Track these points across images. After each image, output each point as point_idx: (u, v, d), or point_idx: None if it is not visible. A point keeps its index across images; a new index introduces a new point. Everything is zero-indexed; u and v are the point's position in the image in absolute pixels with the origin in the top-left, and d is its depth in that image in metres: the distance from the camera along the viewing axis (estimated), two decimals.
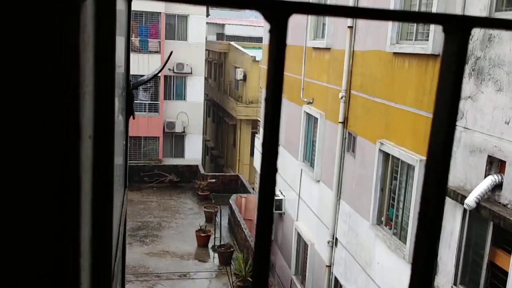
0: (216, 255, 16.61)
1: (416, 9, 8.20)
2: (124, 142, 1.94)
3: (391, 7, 8.65)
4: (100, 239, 0.64)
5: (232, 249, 16.49)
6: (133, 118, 2.04)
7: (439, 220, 0.42)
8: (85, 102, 0.46)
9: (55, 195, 0.47)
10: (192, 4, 0.35)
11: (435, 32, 7.40)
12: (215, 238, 17.23)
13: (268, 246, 0.39)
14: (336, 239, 11.11)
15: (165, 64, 2.91)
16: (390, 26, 8.70)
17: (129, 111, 1.99)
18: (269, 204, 0.40)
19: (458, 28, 0.36)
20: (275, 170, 0.37)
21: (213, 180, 22.71)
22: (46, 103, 0.44)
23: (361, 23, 10.14)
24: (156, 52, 24.81)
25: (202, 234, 17.36)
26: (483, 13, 6.46)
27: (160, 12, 24.87)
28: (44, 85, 0.44)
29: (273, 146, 0.38)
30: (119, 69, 1.58)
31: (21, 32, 0.43)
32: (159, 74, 23.65)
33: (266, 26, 0.39)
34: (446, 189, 0.42)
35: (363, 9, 0.34)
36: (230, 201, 19.06)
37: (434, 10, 7.43)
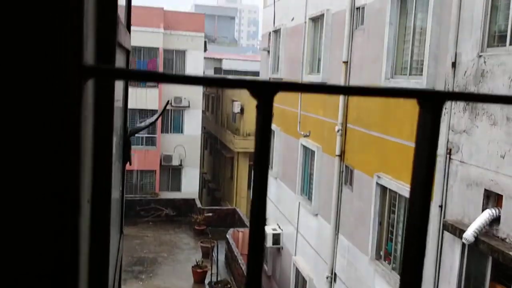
0: None
1: (409, 47, 8.36)
2: (121, 188, 1.96)
3: (385, 47, 8.82)
4: None
5: (229, 285, 16.21)
6: (130, 164, 2.07)
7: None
8: (85, 168, 0.49)
9: (52, 257, 0.48)
10: (186, 84, 0.38)
11: (429, 67, 7.53)
12: (211, 273, 16.96)
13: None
14: (335, 274, 10.97)
15: (161, 113, 2.98)
16: (384, 61, 8.86)
17: (126, 158, 2.02)
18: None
19: (431, 102, 0.39)
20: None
21: (210, 214, 22.52)
22: (46, 171, 0.46)
23: (356, 58, 10.32)
24: (154, 86, 25.07)
25: (199, 270, 17.09)
26: (475, 49, 6.60)
27: (158, 48, 25.28)
28: (45, 156, 0.46)
29: (261, 212, 0.40)
30: (117, 118, 1.62)
31: (25, 111, 0.45)
32: (157, 110, 23.79)
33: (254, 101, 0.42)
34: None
35: (343, 87, 0.37)
36: (227, 236, 18.85)
37: (427, 47, 7.59)
